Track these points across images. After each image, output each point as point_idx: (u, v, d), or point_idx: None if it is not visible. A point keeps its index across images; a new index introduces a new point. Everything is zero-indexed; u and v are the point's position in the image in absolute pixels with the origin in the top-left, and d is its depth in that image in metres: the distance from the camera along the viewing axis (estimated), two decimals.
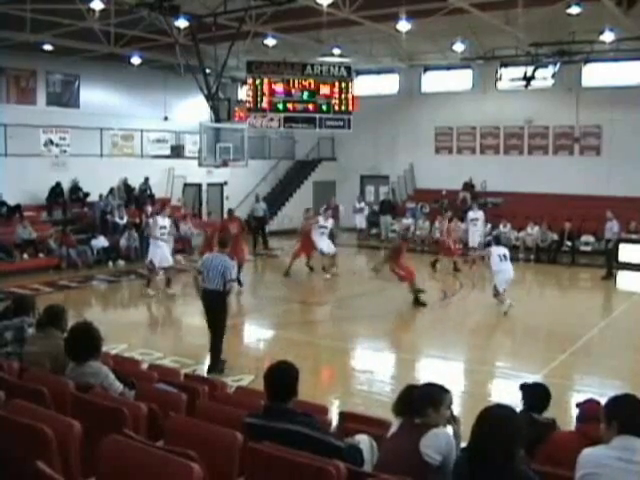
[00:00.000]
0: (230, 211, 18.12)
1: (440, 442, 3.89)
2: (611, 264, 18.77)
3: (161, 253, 15.55)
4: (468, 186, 25.65)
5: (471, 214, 22.08)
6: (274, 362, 4.49)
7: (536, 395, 5.27)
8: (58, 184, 21.00)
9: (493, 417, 3.43)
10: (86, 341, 5.36)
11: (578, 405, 4.97)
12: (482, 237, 21.18)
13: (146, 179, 23.43)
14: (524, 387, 5.34)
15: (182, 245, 21.17)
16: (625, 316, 14.10)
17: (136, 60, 24.23)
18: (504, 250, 14.24)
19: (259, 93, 23.96)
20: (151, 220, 16.87)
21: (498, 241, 15.60)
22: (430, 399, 4.12)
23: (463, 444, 3.98)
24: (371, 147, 27.99)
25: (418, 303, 14.43)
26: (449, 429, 4.21)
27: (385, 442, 4.24)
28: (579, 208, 22.44)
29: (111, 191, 22.33)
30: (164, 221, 15.85)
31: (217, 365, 9.73)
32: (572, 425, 4.89)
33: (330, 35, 22.48)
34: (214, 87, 21.23)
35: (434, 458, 3.81)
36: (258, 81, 23.90)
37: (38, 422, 3.84)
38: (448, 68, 26.65)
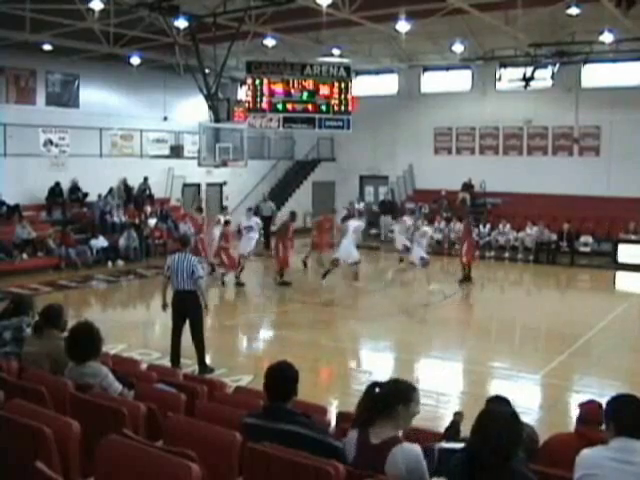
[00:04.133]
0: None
1: (399, 460, 3.70)
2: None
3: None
4: (467, 187, 25.66)
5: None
6: (274, 362, 4.50)
7: None
8: (57, 184, 21.00)
9: (493, 417, 3.41)
10: (87, 341, 5.35)
11: (580, 405, 4.95)
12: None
13: (145, 179, 23.43)
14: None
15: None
16: (624, 317, 14.10)
17: (135, 60, 24.21)
18: None
19: (258, 93, 23.96)
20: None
21: None
22: (400, 395, 3.93)
23: (459, 445, 3.97)
24: (370, 147, 28.00)
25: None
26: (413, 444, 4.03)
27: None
28: (578, 209, 22.45)
29: (110, 191, 22.32)
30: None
31: (205, 366, 9.74)
32: (571, 426, 4.88)
33: (329, 35, 22.51)
34: (213, 87, 21.22)
35: (402, 477, 3.68)
36: (257, 81, 23.90)
37: (37, 422, 3.84)
38: (447, 68, 26.67)
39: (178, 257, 9.80)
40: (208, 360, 9.90)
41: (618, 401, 3.64)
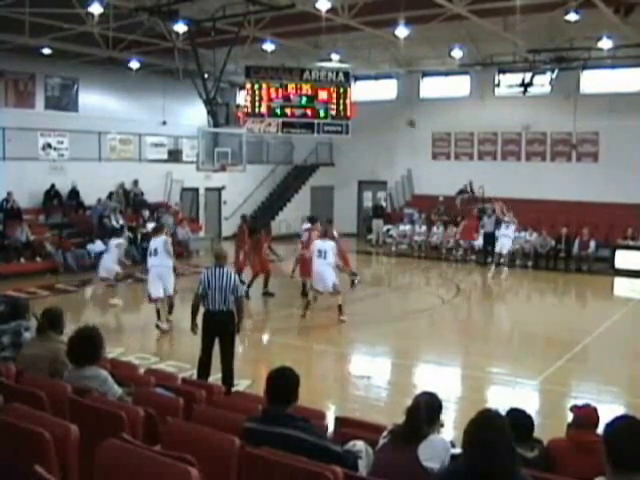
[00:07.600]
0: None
1: (438, 449, 3.90)
2: (487, 253, 21.05)
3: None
4: (463, 193, 25.62)
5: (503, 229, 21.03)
6: (277, 366, 4.52)
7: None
8: (52, 186, 21.00)
9: (490, 424, 3.36)
10: (90, 346, 5.34)
11: (572, 409, 4.94)
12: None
13: (135, 182, 23.40)
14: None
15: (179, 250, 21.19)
16: (622, 322, 14.10)
17: (135, 64, 24.24)
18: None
19: (257, 98, 24.00)
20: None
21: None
22: (438, 406, 4.16)
23: (456, 450, 3.96)
24: (369, 153, 27.98)
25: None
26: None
27: (378, 452, 4.21)
28: (576, 214, 22.45)
29: (110, 195, 22.32)
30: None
31: (230, 392, 8.33)
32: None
33: (329, 40, 22.54)
34: (212, 92, 21.24)
35: (435, 467, 3.81)
36: (256, 86, 23.95)
37: (36, 426, 3.83)
38: (446, 74, 26.68)
39: (212, 272, 8.66)
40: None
41: (617, 430, 3.12)
